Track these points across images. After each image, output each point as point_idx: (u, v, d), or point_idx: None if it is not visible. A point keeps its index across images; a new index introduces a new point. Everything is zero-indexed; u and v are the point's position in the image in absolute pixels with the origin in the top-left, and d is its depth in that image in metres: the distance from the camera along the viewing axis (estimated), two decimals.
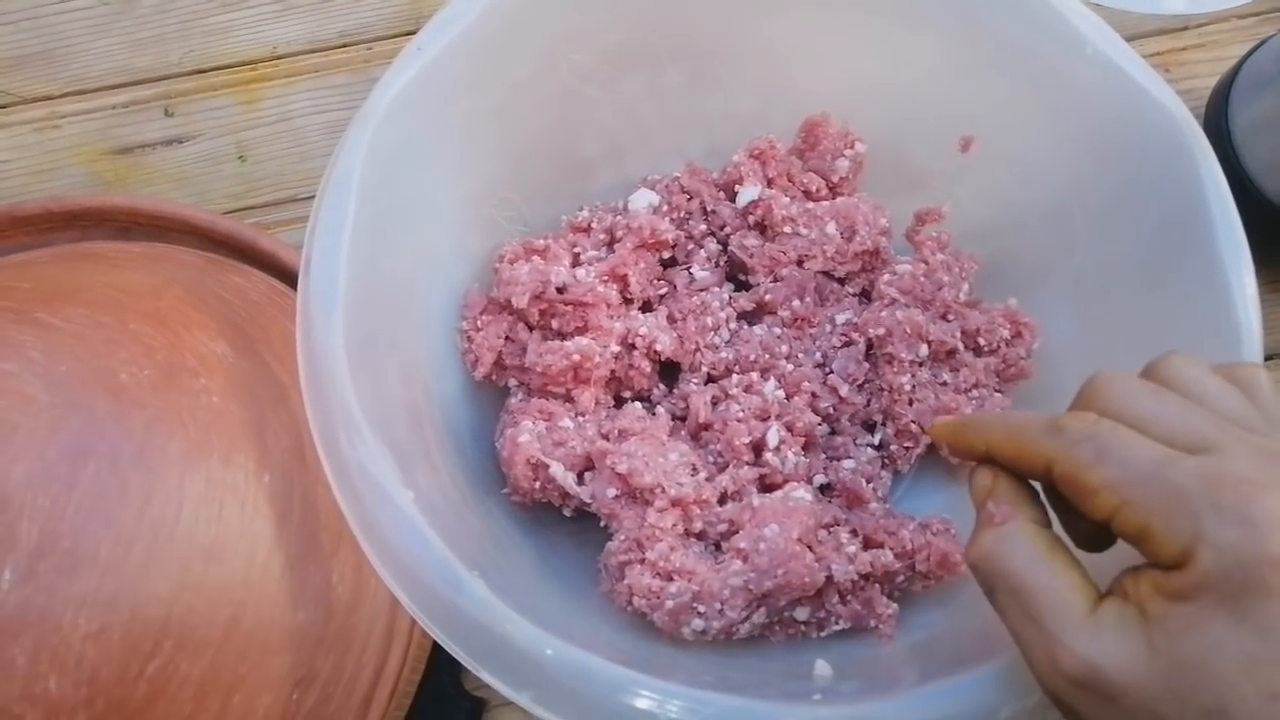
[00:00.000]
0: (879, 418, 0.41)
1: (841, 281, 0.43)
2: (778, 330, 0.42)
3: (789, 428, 0.39)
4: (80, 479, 0.29)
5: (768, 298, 0.42)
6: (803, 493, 0.36)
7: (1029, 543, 0.24)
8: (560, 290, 0.39)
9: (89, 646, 0.29)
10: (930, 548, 0.36)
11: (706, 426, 0.40)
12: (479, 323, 0.40)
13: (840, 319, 0.41)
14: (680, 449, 0.38)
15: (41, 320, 0.33)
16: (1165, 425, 0.23)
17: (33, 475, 0.29)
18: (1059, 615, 0.23)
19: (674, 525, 0.36)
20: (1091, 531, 0.25)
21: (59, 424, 0.30)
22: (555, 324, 0.40)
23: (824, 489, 0.40)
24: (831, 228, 0.41)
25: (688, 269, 0.42)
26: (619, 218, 0.42)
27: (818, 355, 0.41)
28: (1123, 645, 0.22)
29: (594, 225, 0.42)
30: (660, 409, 0.41)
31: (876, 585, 0.36)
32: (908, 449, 0.40)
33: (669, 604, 0.34)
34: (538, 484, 0.37)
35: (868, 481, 0.39)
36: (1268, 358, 0.50)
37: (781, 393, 0.40)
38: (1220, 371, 0.25)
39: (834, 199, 0.43)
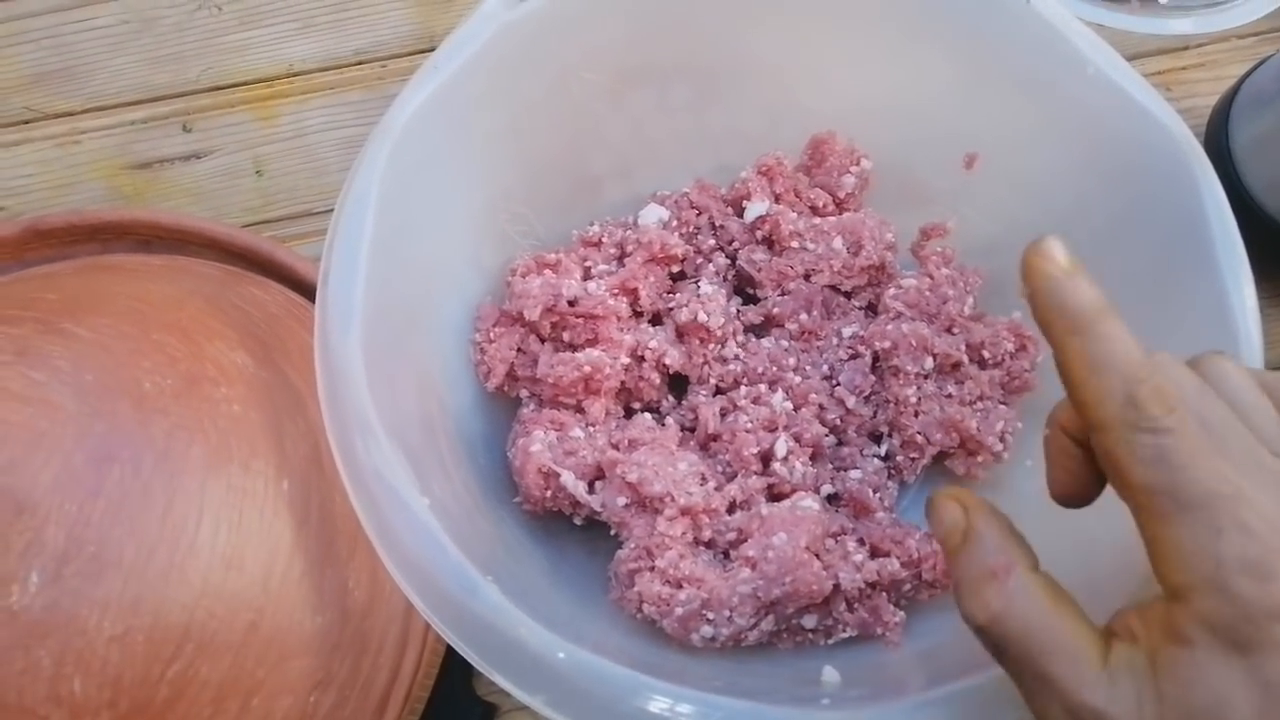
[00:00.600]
0: (885, 429, 0.41)
1: (848, 295, 0.44)
2: (785, 343, 0.42)
3: (797, 438, 0.40)
4: (105, 485, 0.30)
5: (775, 311, 0.42)
6: (810, 502, 0.37)
7: (1038, 597, 0.23)
8: (571, 303, 0.40)
9: (113, 649, 0.29)
10: (936, 557, 0.36)
11: (715, 437, 0.40)
12: (491, 334, 0.40)
13: (847, 332, 0.42)
14: (689, 459, 0.38)
15: (67, 330, 0.33)
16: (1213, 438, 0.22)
17: (60, 481, 0.30)
18: (1074, 670, 0.22)
19: (683, 534, 0.36)
20: (1081, 487, 0.25)
21: (85, 431, 0.31)
22: (566, 336, 0.40)
23: (831, 499, 0.40)
24: (838, 242, 0.42)
25: (696, 282, 0.43)
26: (629, 232, 0.43)
27: (825, 368, 0.42)
28: (1136, 696, 0.22)
29: (604, 240, 0.43)
30: (669, 420, 0.41)
31: (883, 593, 0.37)
32: (914, 459, 0.40)
33: (678, 611, 0.34)
34: (549, 492, 0.38)
35: (874, 491, 0.40)
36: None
37: (789, 404, 0.40)
38: (1261, 379, 0.24)
39: (840, 214, 0.44)
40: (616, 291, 0.41)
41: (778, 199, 0.44)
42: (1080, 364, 0.23)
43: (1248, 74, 0.51)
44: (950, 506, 0.25)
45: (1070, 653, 0.22)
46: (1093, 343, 0.23)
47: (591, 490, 0.38)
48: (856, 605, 0.36)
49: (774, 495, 0.39)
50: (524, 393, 0.41)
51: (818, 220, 0.43)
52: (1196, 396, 0.22)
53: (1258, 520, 0.21)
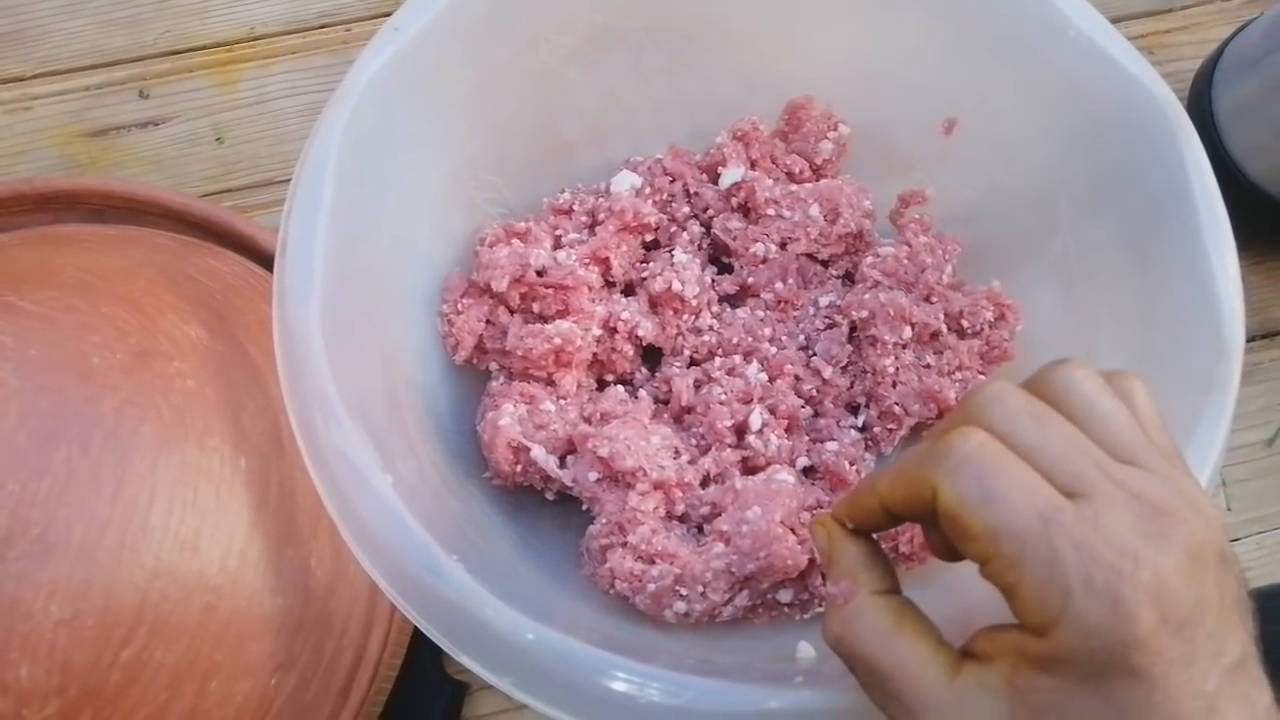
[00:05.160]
0: (862, 400, 0.41)
1: (825, 264, 0.43)
2: (761, 313, 0.41)
3: (772, 410, 0.39)
4: (51, 464, 0.29)
5: (751, 280, 0.42)
6: (785, 475, 0.36)
7: (875, 620, 0.24)
8: (540, 273, 0.39)
9: (61, 634, 0.28)
10: (912, 529, 0.36)
11: (689, 409, 0.39)
12: (459, 306, 0.39)
13: (824, 301, 0.41)
14: (662, 432, 0.37)
15: (11, 303, 0.32)
16: (1044, 459, 0.22)
17: (1, 460, 0.28)
18: (916, 691, 0.23)
19: (656, 508, 0.35)
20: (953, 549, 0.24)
21: (28, 408, 0.29)
22: (536, 307, 0.39)
23: (807, 471, 0.39)
24: (815, 210, 0.41)
25: (670, 251, 0.42)
26: (601, 200, 0.42)
27: (801, 338, 0.41)
28: (984, 715, 0.22)
29: (575, 207, 0.42)
30: (642, 392, 0.40)
31: None
32: (891, 431, 0.40)
33: (651, 587, 0.34)
34: (519, 467, 0.37)
35: (851, 464, 0.39)
36: (1250, 339, 0.50)
37: (764, 375, 0.40)
38: (1108, 380, 0.24)
39: (817, 181, 0.43)
40: (588, 261, 0.40)
41: (753, 165, 0.43)
42: (896, 480, 0.24)
43: (1231, 37, 0.50)
44: (819, 532, 0.27)
45: (913, 675, 0.23)
46: (891, 466, 0.25)
47: (563, 465, 0.37)
48: None
49: (748, 468, 0.38)
50: (493, 365, 0.40)
51: (794, 187, 0.42)
52: (1013, 422, 0.22)
53: (1100, 541, 0.21)
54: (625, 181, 0.42)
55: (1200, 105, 0.49)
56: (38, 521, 0.28)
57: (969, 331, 0.40)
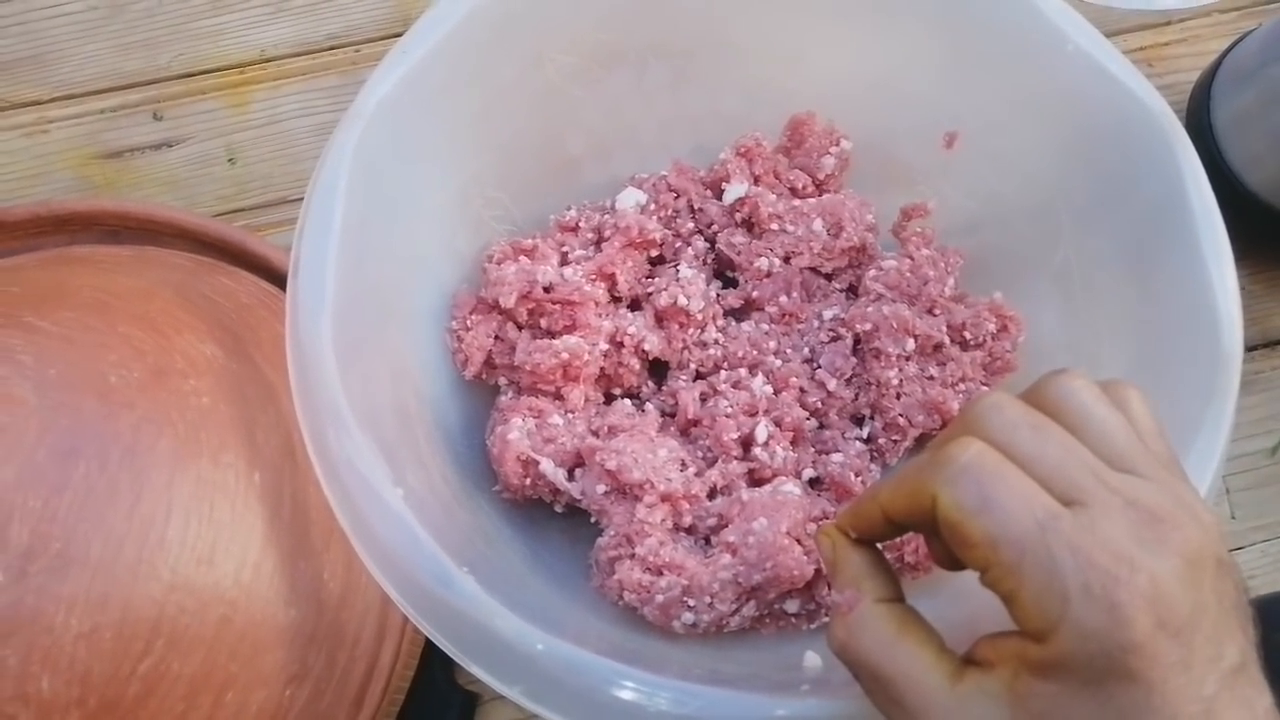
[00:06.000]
0: (867, 411, 0.41)
1: (828, 277, 0.43)
2: (765, 326, 0.42)
3: (777, 423, 0.39)
4: (70, 480, 0.30)
5: (755, 294, 0.42)
6: (791, 486, 0.37)
7: (878, 627, 0.24)
8: (547, 289, 0.39)
9: (81, 646, 0.29)
10: (917, 539, 0.36)
11: (695, 422, 0.40)
12: (468, 322, 0.40)
13: (827, 314, 0.42)
14: (669, 445, 0.38)
15: (31, 324, 0.33)
16: (1041, 468, 0.22)
17: (23, 477, 0.29)
18: (919, 697, 0.23)
19: (663, 520, 0.36)
20: (955, 558, 0.24)
21: (48, 426, 0.30)
22: (544, 323, 0.40)
23: (813, 483, 0.40)
24: (818, 224, 0.42)
25: (675, 266, 0.43)
26: (607, 216, 0.43)
27: (805, 351, 0.42)
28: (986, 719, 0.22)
29: (582, 224, 0.43)
30: (649, 405, 0.41)
31: None
32: (895, 442, 0.40)
33: (659, 598, 0.34)
34: (528, 480, 0.37)
35: (856, 475, 0.39)
36: (1252, 348, 0.50)
37: (770, 388, 0.40)
38: (1105, 390, 0.25)
39: (820, 196, 0.44)
40: (594, 277, 0.40)
41: (757, 180, 0.43)
42: (898, 489, 0.25)
43: (1229, 49, 0.50)
44: (824, 542, 0.27)
45: (916, 681, 0.23)
46: (892, 476, 0.25)
47: (571, 478, 0.37)
48: None
49: (755, 480, 0.39)
50: (502, 380, 0.41)
51: (797, 202, 0.43)
52: (1011, 432, 0.23)
53: (1097, 547, 0.21)
54: (630, 198, 0.43)
55: (1199, 116, 0.49)
56: (58, 537, 0.29)
57: (972, 343, 0.41)
